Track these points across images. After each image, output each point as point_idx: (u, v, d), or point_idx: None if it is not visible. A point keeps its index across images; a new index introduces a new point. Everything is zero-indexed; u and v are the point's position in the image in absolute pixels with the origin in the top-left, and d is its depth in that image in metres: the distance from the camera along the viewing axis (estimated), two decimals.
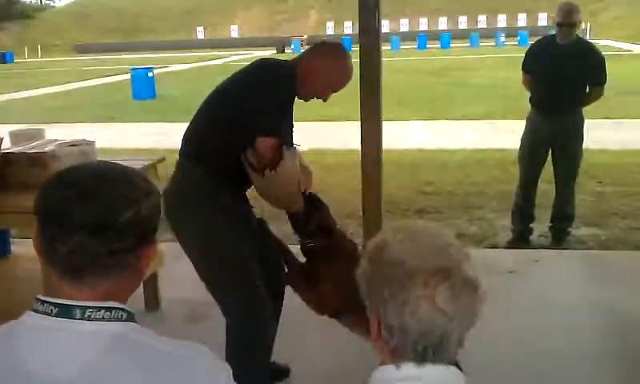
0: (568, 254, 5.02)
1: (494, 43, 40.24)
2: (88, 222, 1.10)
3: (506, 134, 10.38)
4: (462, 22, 55.02)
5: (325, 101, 2.88)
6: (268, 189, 2.73)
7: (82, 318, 1.11)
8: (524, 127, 5.29)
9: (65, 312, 1.11)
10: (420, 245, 1.13)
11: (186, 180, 2.78)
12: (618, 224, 5.57)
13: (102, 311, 1.12)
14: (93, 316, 1.11)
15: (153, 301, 4.15)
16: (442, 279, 1.08)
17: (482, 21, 54.41)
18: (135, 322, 1.17)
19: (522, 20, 53.03)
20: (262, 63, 2.81)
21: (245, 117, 2.62)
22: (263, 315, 2.79)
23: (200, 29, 59.23)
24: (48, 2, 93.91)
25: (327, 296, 2.85)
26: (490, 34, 44.45)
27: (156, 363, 1.12)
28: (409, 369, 1.12)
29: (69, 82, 24.63)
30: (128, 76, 18.88)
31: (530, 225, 5.37)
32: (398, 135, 9.96)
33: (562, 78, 4.82)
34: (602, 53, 5.05)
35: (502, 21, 53.56)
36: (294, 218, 2.91)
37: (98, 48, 53.84)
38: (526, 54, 5.24)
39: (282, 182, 2.69)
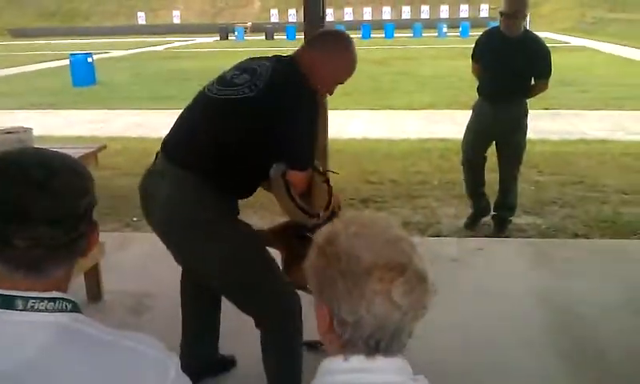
0: (510, 243, 5.12)
1: (436, 34, 40.73)
2: (49, 215, 1.08)
3: (449, 124, 10.56)
4: (406, 12, 55.48)
5: (331, 94, 2.78)
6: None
7: (25, 309, 1.07)
8: (470, 115, 5.37)
9: (6, 303, 1.07)
10: (373, 239, 1.11)
11: (190, 191, 2.51)
12: (557, 213, 5.72)
13: (46, 302, 1.09)
14: (36, 307, 1.08)
15: (95, 292, 4.06)
16: (397, 274, 1.07)
17: (425, 11, 54.99)
18: (80, 312, 1.14)
19: (464, 11, 53.80)
20: (292, 73, 2.57)
21: (279, 140, 2.44)
22: (300, 308, 2.65)
23: (141, 14, 58.10)
24: None
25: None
26: (432, 24, 44.95)
27: (102, 354, 1.09)
28: (358, 361, 1.11)
29: (4, 67, 23.83)
30: (67, 62, 18.38)
31: (485, 205, 5.41)
32: (342, 124, 10.00)
33: (509, 68, 4.87)
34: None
35: (444, 11, 54.24)
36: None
37: (35, 32, 52.19)
38: (476, 44, 5.31)
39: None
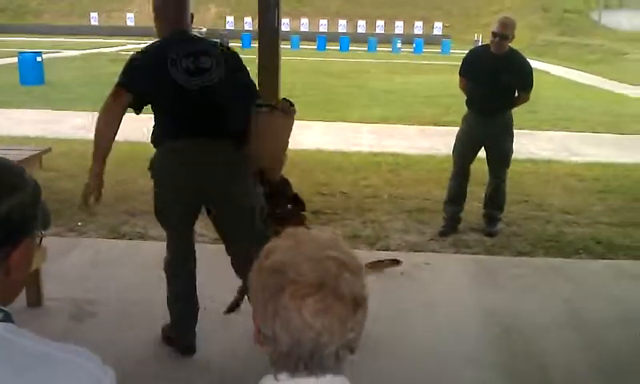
0: (456, 258, 5.19)
1: (390, 49, 41.17)
2: None
3: (401, 139, 10.68)
4: (361, 26, 55.91)
5: None
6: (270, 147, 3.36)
7: None
8: (460, 125, 5.81)
9: None
10: (300, 255, 1.09)
11: (238, 154, 3.28)
12: (503, 230, 5.81)
13: None
14: None
15: (35, 298, 3.94)
16: (312, 291, 1.05)
17: (380, 26, 55.53)
18: (12, 322, 1.09)
19: (418, 28, 54.49)
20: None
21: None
22: None
23: (94, 15, 57.08)
24: None
25: None
26: (387, 39, 45.39)
27: (34, 366, 1.04)
28: (286, 379, 1.09)
29: None
30: (15, 59, 17.92)
31: (460, 214, 5.83)
32: (296, 135, 9.95)
33: (498, 83, 5.35)
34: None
35: (399, 27, 54.85)
36: (272, 187, 3.50)
37: None
38: (463, 61, 5.79)
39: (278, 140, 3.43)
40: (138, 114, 3.25)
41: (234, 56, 3.35)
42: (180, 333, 3.52)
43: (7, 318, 1.08)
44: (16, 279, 1.15)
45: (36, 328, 1.10)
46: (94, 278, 4.48)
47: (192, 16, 3.36)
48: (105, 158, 3.19)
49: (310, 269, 1.06)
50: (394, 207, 6.47)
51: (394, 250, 5.29)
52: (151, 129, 3.29)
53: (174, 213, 3.34)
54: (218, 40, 3.61)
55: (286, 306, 1.04)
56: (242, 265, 3.31)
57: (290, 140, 3.50)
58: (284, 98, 3.54)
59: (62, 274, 4.41)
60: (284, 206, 3.60)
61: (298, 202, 3.69)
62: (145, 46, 3.35)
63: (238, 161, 3.27)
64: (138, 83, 3.12)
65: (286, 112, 3.39)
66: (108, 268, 4.68)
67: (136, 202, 6.12)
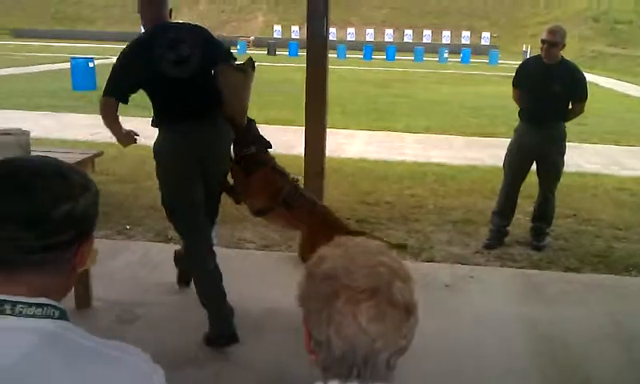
0: (502, 272, 5.12)
1: (437, 59, 40.95)
2: (21, 215, 1.07)
3: (446, 149, 10.60)
4: (408, 36, 55.76)
5: None
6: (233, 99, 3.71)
7: (13, 314, 1.07)
8: (512, 136, 5.72)
9: None
10: (352, 262, 1.10)
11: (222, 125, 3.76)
12: (551, 245, 5.72)
13: (34, 307, 1.08)
14: (24, 312, 1.07)
15: (84, 299, 4.03)
16: (367, 298, 1.06)
17: (427, 36, 55.28)
18: (68, 320, 1.13)
19: (465, 38, 54.10)
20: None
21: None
22: None
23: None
24: None
25: (253, 195, 4.07)
26: (434, 49, 45.17)
27: (88, 363, 1.08)
28: None
29: (5, 67, 23.83)
30: (68, 65, 18.37)
31: (507, 227, 5.75)
32: (340, 144, 10.02)
33: (549, 93, 5.25)
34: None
35: (446, 37, 54.52)
36: (239, 130, 3.89)
37: (37, 34, 52.23)
38: (516, 72, 5.71)
39: (239, 92, 3.77)
40: (126, 104, 3.61)
41: (201, 33, 3.74)
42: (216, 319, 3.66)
43: (63, 316, 1.12)
44: (73, 274, 1.20)
45: (84, 328, 1.14)
46: (141, 280, 4.56)
47: (171, 11, 3.73)
48: (120, 131, 3.71)
49: (363, 275, 1.08)
50: (439, 218, 6.43)
51: (439, 261, 5.26)
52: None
53: (184, 188, 3.61)
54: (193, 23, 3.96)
55: (340, 311, 1.06)
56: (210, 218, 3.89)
57: (250, 94, 3.89)
58: (249, 58, 3.84)
59: (111, 276, 4.50)
60: (248, 147, 4.04)
61: (261, 142, 4.11)
62: (129, 42, 3.66)
63: (222, 131, 3.75)
64: (122, 88, 3.55)
65: (242, 70, 3.73)
66: (155, 271, 4.75)
67: None
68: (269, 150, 4.16)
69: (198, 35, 3.69)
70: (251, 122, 4.06)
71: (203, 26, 3.87)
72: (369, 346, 1.06)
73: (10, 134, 3.50)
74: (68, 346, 1.08)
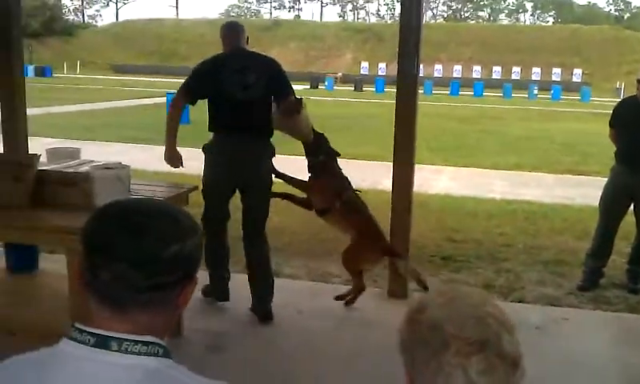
0: (596, 315, 4.93)
1: (526, 95, 40.21)
2: (132, 255, 1.12)
3: (536, 187, 10.34)
4: (496, 72, 55.08)
5: None
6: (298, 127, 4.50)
7: (119, 351, 1.11)
8: (608, 176, 5.63)
9: (102, 343, 1.11)
10: (459, 312, 1.09)
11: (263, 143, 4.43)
12: None
13: (139, 345, 1.12)
14: (129, 349, 1.11)
15: (175, 328, 4.13)
16: (477, 350, 1.04)
17: (516, 72, 54.42)
18: (170, 358, 1.16)
19: (556, 74, 52.96)
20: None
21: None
22: None
23: None
24: (91, 21, 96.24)
25: (319, 198, 4.63)
26: (523, 85, 44.39)
27: None
28: None
29: (105, 101, 25.04)
30: (163, 99, 19.10)
31: (602, 268, 5.56)
32: (427, 179, 9.95)
33: None
34: None
35: (536, 74, 53.51)
36: (306, 145, 4.63)
37: (135, 69, 54.72)
38: (613, 112, 5.63)
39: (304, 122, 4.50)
40: (193, 105, 4.50)
41: (271, 65, 4.40)
42: (215, 273, 4.58)
43: (166, 354, 1.16)
44: (177, 313, 1.24)
45: (177, 357, 1.17)
46: (229, 311, 4.64)
47: (247, 38, 4.42)
48: (173, 136, 4.48)
49: (471, 325, 1.07)
50: (530, 257, 6.26)
51: (530, 302, 5.11)
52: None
53: (214, 190, 4.42)
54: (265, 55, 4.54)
55: (450, 362, 1.04)
56: (257, 230, 4.53)
57: (309, 122, 4.61)
58: (295, 98, 4.39)
59: (200, 306, 4.59)
60: (317, 157, 4.64)
61: (329, 153, 4.67)
62: (209, 57, 4.42)
63: (265, 152, 4.41)
64: (195, 92, 4.35)
65: (290, 114, 4.38)
66: (242, 302, 4.83)
67: (271, 239, 6.28)
68: (337, 158, 4.75)
69: (266, 67, 4.35)
70: (320, 136, 4.68)
71: (275, 60, 4.47)
72: None
73: (110, 168, 3.67)
74: (171, 383, 1.12)
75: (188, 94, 4.34)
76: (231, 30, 4.42)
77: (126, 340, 1.11)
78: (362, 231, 4.59)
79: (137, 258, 1.12)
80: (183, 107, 4.48)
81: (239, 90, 4.17)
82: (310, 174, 4.70)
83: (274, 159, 4.54)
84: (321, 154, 4.64)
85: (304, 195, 4.76)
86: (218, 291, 4.63)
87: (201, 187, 4.43)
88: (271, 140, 4.46)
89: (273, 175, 4.56)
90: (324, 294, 5.03)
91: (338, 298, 4.72)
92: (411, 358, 1.11)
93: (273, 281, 4.56)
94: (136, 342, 1.12)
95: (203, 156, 4.48)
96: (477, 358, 1.04)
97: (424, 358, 1.08)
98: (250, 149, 4.28)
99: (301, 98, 4.41)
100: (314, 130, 4.64)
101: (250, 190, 4.45)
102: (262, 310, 4.46)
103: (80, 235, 1.17)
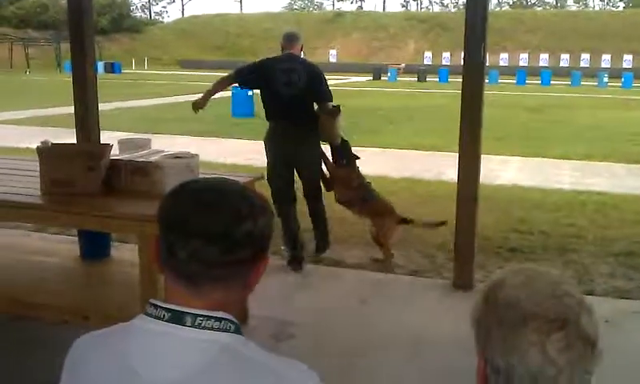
0: None
1: (596, 83, 39.00)
2: (206, 231, 1.14)
3: (607, 178, 10.04)
4: (564, 60, 53.62)
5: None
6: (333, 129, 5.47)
7: (193, 326, 1.14)
8: None
9: (176, 318, 1.14)
10: (538, 290, 1.08)
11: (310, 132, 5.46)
12: None
13: (212, 320, 1.15)
14: (203, 324, 1.14)
15: (241, 315, 4.19)
16: (557, 328, 1.04)
17: (585, 60, 52.85)
18: (242, 334, 1.19)
19: (627, 61, 51.16)
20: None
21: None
22: None
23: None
24: (157, 17, 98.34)
25: (342, 191, 5.66)
26: (592, 73, 43.07)
27: (259, 378, 1.13)
28: None
29: (172, 95, 25.59)
30: (229, 93, 19.37)
31: None
32: (493, 170, 9.79)
33: None
34: None
35: (606, 61, 51.84)
36: (333, 147, 5.62)
37: (201, 64, 55.62)
38: None
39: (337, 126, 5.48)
40: (242, 88, 6.84)
41: (313, 70, 5.45)
42: (289, 247, 5.46)
43: (238, 330, 1.18)
44: (248, 291, 1.27)
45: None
46: (294, 300, 4.71)
47: (302, 47, 5.54)
48: (209, 92, 5.61)
49: (551, 304, 1.06)
50: (600, 249, 6.09)
51: (599, 295, 4.98)
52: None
53: (274, 172, 5.44)
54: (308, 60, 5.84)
55: (528, 339, 1.04)
56: (312, 196, 5.61)
57: (342, 124, 5.58)
58: (333, 105, 5.43)
59: (266, 294, 4.66)
60: (342, 160, 5.65)
61: (351, 157, 5.67)
62: (267, 57, 5.62)
63: (309, 136, 5.41)
64: (245, 80, 5.69)
65: (330, 114, 5.41)
66: (307, 292, 4.89)
67: (335, 229, 6.33)
68: (357, 160, 5.74)
69: (307, 70, 5.37)
70: (345, 143, 5.65)
71: (316, 66, 5.62)
72: (553, 378, 1.04)
73: (180, 157, 3.76)
74: (245, 360, 1.14)
75: (237, 76, 5.54)
76: (286, 39, 5.50)
77: (200, 315, 1.14)
78: (376, 213, 5.63)
79: (211, 234, 1.14)
80: (229, 82, 5.69)
81: (282, 86, 5.21)
82: (335, 172, 5.72)
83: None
84: (344, 157, 5.65)
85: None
86: (294, 263, 5.42)
87: (266, 177, 5.15)
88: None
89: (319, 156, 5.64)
90: (387, 284, 5.03)
91: (374, 260, 5.65)
92: (485, 336, 1.11)
93: (327, 227, 5.73)
94: (209, 318, 1.15)
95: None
96: (557, 336, 1.04)
97: (499, 335, 1.07)
98: (295, 134, 5.31)
99: (338, 106, 5.43)
100: (342, 136, 5.60)
101: (301, 167, 5.52)
102: (322, 244, 5.71)
103: (157, 214, 1.21)
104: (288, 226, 5.42)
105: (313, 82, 5.34)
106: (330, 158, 5.70)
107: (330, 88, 5.55)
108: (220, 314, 1.16)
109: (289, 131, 5.30)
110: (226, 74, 5.64)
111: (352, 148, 5.73)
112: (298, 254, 5.42)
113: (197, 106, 5.54)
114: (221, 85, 5.61)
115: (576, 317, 1.06)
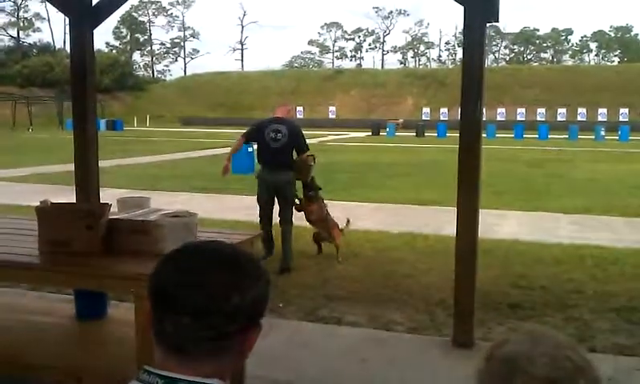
0: None
1: (593, 137, 39.31)
2: (193, 308, 1.14)
3: (606, 231, 10.03)
4: (561, 114, 54.18)
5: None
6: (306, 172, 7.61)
7: None
8: None
9: None
10: (538, 350, 1.09)
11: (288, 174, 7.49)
12: None
13: None
14: None
15: (238, 377, 4.15)
16: None
17: (582, 114, 53.39)
18: None
19: (623, 115, 51.67)
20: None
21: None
22: None
23: (300, 109, 60.90)
24: (160, 76, 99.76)
25: (312, 216, 7.77)
26: (589, 127, 43.47)
27: None
28: None
29: (173, 152, 25.77)
30: (229, 150, 19.50)
31: None
32: (492, 224, 9.79)
33: None
34: None
35: (602, 114, 52.36)
36: (305, 182, 7.65)
37: (202, 121, 56.22)
38: None
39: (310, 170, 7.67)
40: (247, 144, 8.90)
41: (294, 129, 7.48)
42: (266, 247, 7.53)
43: None
44: (243, 358, 1.27)
45: None
46: (293, 359, 4.65)
47: (289, 110, 8.12)
48: (230, 155, 7.97)
49: (543, 364, 1.06)
50: (600, 305, 6.05)
51: (601, 352, 4.93)
52: None
53: (261, 198, 7.48)
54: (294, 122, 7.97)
55: None
56: (283, 218, 7.41)
57: (312, 170, 7.73)
58: (308, 154, 7.60)
59: (263, 353, 4.61)
60: (309, 192, 7.68)
61: (316, 190, 7.76)
62: (261, 120, 7.84)
63: (288, 177, 7.38)
64: (249, 137, 7.72)
65: (305, 161, 7.51)
66: (306, 350, 4.84)
67: (334, 286, 6.32)
68: (320, 191, 7.88)
69: (291, 128, 7.40)
70: (312, 179, 7.71)
71: (297, 125, 7.81)
72: None
73: (178, 216, 3.77)
74: None
75: (245, 137, 7.69)
76: (278, 108, 7.91)
77: (193, 382, 1.14)
78: (330, 226, 7.87)
79: (198, 310, 1.14)
80: (243, 142, 7.83)
81: (272, 140, 7.24)
82: (306, 201, 7.76)
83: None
84: (312, 190, 7.71)
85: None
86: (267, 249, 7.49)
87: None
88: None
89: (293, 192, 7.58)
90: (388, 342, 4.99)
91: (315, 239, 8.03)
92: None
93: (291, 251, 7.35)
94: None
95: None
96: None
97: None
98: (279, 176, 7.31)
99: (313, 155, 7.72)
100: (312, 175, 7.72)
101: (280, 199, 7.42)
102: (285, 265, 7.15)
103: (147, 287, 1.21)
104: (266, 232, 7.36)
105: (295, 137, 7.41)
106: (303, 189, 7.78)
107: (306, 140, 7.64)
108: (215, 382, 1.16)
109: (274, 174, 7.32)
110: (239, 140, 7.79)
111: (319, 187, 7.85)
112: (270, 245, 7.59)
113: (225, 171, 7.82)
114: (236, 146, 7.96)
115: (568, 381, 1.05)
